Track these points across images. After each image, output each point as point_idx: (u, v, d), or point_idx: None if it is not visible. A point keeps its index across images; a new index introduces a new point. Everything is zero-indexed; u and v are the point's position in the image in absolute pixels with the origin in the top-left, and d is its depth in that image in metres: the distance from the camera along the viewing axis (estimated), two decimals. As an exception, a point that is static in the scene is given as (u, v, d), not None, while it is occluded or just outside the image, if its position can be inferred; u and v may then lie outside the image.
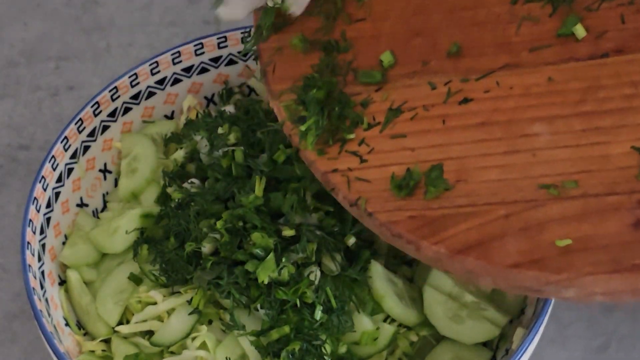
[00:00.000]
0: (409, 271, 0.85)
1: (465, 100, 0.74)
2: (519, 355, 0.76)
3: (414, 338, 0.81)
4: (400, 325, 0.81)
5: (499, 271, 0.67)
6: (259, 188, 0.81)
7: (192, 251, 0.81)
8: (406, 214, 0.70)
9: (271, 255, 0.78)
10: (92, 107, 0.90)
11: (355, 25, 0.80)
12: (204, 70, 0.94)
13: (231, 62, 0.94)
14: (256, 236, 0.78)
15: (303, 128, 0.75)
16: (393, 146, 0.73)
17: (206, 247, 0.81)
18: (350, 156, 0.74)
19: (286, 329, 0.78)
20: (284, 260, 0.78)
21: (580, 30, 0.74)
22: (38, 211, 0.86)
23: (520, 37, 0.75)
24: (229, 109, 0.90)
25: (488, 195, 0.70)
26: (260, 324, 0.79)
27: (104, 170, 0.93)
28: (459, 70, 0.75)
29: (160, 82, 0.93)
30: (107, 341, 0.84)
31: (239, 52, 0.94)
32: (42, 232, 0.86)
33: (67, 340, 0.83)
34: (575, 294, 0.66)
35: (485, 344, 0.82)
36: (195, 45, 0.93)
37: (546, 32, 0.75)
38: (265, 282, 0.78)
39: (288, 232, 0.79)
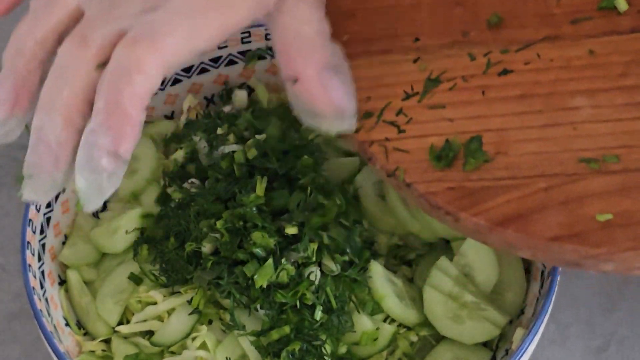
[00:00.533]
0: (409, 271, 0.85)
1: (505, 72, 0.73)
2: (519, 355, 0.76)
3: (414, 338, 0.81)
4: (400, 325, 0.81)
5: (539, 244, 0.67)
6: (260, 187, 0.81)
7: (192, 251, 0.81)
8: (445, 185, 0.70)
9: (270, 261, 0.78)
10: (92, 107, 0.90)
11: None
12: (204, 71, 0.94)
13: (231, 63, 0.94)
14: (257, 235, 0.78)
15: None
16: (432, 117, 0.72)
17: (206, 247, 0.81)
18: (388, 126, 0.73)
19: (286, 329, 0.78)
20: (283, 261, 0.78)
21: (622, 4, 0.73)
22: (38, 211, 0.86)
23: (561, 8, 0.74)
24: (229, 109, 0.90)
25: (528, 168, 0.69)
26: (261, 324, 0.79)
27: (104, 170, 0.93)
28: (499, 41, 0.75)
29: (160, 82, 0.93)
30: (107, 341, 0.84)
31: (238, 52, 0.94)
32: (42, 232, 0.86)
33: (67, 340, 0.83)
34: (615, 267, 0.66)
35: (485, 344, 0.82)
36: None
37: (587, 4, 0.74)
38: (264, 286, 0.78)
39: (291, 230, 0.79)
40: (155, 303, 0.83)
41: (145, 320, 0.83)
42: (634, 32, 0.73)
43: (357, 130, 0.73)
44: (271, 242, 0.78)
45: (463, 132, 0.71)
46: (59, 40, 0.72)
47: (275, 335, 0.78)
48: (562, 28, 0.74)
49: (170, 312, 0.82)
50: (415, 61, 0.75)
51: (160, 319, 0.83)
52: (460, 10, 0.77)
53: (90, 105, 0.69)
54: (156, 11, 0.69)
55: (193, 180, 0.86)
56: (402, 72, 0.75)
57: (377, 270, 0.81)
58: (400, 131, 0.72)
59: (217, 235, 0.80)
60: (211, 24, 0.69)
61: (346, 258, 0.80)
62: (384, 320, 0.81)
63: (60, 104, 0.69)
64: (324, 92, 0.71)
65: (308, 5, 0.72)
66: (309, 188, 0.81)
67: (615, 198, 0.67)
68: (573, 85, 0.72)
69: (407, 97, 0.74)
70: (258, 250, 0.79)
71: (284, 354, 0.78)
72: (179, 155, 0.89)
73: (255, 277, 0.77)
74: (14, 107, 0.71)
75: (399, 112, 0.73)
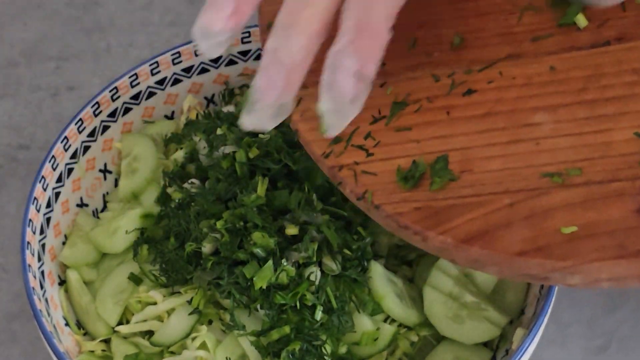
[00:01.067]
0: (409, 271, 0.85)
1: (469, 92, 0.74)
2: (519, 355, 0.76)
3: (414, 338, 0.81)
4: (400, 325, 0.81)
5: (505, 259, 0.67)
6: (261, 188, 0.81)
7: (192, 251, 0.81)
8: (412, 206, 0.70)
9: (269, 263, 0.78)
10: (92, 107, 0.90)
11: None
12: (204, 71, 0.94)
13: (231, 63, 0.94)
14: (257, 236, 0.78)
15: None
16: (398, 139, 0.73)
17: (206, 247, 0.81)
18: (357, 150, 0.73)
19: (286, 329, 0.78)
20: (283, 262, 0.78)
21: (581, 20, 0.74)
22: (38, 211, 0.86)
23: (522, 27, 0.75)
24: (229, 109, 0.90)
25: (492, 185, 0.70)
26: (261, 324, 0.79)
27: (104, 170, 0.93)
28: (462, 61, 0.75)
29: (161, 82, 0.93)
30: (107, 341, 0.84)
31: (239, 52, 0.94)
32: (42, 232, 0.86)
33: (67, 340, 0.83)
34: (581, 280, 0.67)
35: (485, 344, 0.82)
36: (195, 46, 0.93)
37: (547, 21, 0.75)
38: (264, 287, 0.78)
39: (291, 231, 0.79)
40: (155, 303, 0.83)
41: (145, 320, 0.83)
42: (594, 47, 0.73)
43: (326, 156, 0.74)
44: (271, 242, 0.78)
45: (429, 152, 0.72)
46: None
47: (275, 335, 0.78)
48: (523, 46, 0.75)
49: (170, 312, 0.82)
50: (382, 85, 0.76)
51: (160, 319, 0.83)
52: (422, 32, 0.77)
53: (329, 26, 0.68)
54: None
55: (193, 180, 0.86)
56: (370, 96, 0.74)
57: (377, 270, 0.81)
58: (369, 154, 0.73)
59: (217, 235, 0.80)
60: None
61: (350, 254, 0.80)
62: (385, 321, 0.81)
63: (301, 23, 0.67)
64: None
65: None
66: (306, 187, 0.81)
67: (579, 210, 0.68)
68: (535, 101, 0.72)
69: (375, 120, 0.74)
70: (258, 251, 0.78)
71: (284, 354, 0.78)
72: (179, 155, 0.89)
73: (255, 278, 0.77)
74: (230, 19, 0.69)
75: (367, 135, 0.74)
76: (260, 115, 0.69)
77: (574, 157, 0.70)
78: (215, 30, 0.68)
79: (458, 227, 0.69)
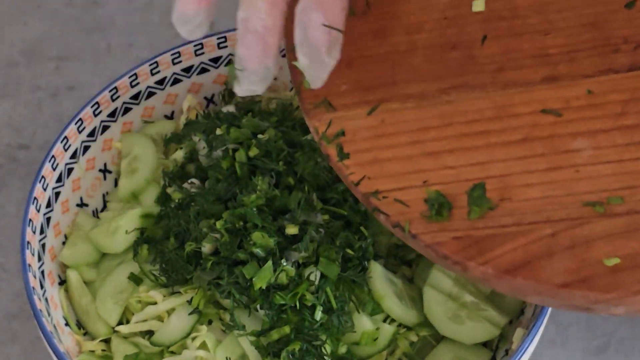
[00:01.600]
0: (409, 271, 0.85)
1: (505, 116, 0.72)
2: (519, 355, 0.76)
3: (414, 338, 0.81)
4: (400, 325, 0.81)
5: (548, 290, 0.66)
6: (262, 184, 0.81)
7: (192, 251, 0.81)
8: (451, 235, 0.69)
9: (269, 263, 0.78)
10: (92, 107, 0.90)
11: (388, 39, 0.78)
12: (204, 71, 0.94)
13: (231, 63, 0.94)
14: (257, 236, 0.78)
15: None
16: (433, 165, 0.72)
17: (206, 247, 0.81)
18: (391, 177, 0.72)
19: (286, 329, 0.78)
20: (283, 262, 0.78)
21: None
22: (38, 211, 0.86)
23: (557, 48, 0.74)
24: (230, 109, 0.90)
25: (533, 214, 0.68)
26: (261, 324, 0.79)
27: (104, 170, 0.93)
28: (498, 84, 0.74)
29: (160, 82, 0.93)
30: (107, 341, 0.84)
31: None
32: (42, 231, 0.86)
33: (67, 339, 0.83)
34: (625, 310, 0.66)
35: (485, 344, 0.82)
36: (195, 46, 0.93)
37: (583, 42, 0.74)
38: (263, 287, 0.78)
39: (291, 230, 0.79)
40: (155, 303, 0.83)
41: (145, 320, 0.83)
42: (632, 70, 0.72)
43: (358, 182, 0.72)
44: (271, 242, 0.78)
45: (465, 179, 0.71)
46: None
47: (275, 335, 0.78)
48: (559, 68, 0.73)
49: (170, 312, 0.82)
50: (414, 108, 0.74)
51: (160, 319, 0.83)
52: (456, 54, 0.76)
53: None
54: None
55: (193, 180, 0.86)
56: (402, 120, 0.74)
57: (377, 271, 0.81)
58: (403, 181, 0.72)
59: (217, 235, 0.80)
60: None
61: (352, 253, 0.80)
62: (384, 321, 0.81)
63: None
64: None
65: None
66: (306, 187, 0.81)
67: (621, 240, 0.66)
68: (573, 126, 0.71)
69: (409, 145, 0.73)
70: (258, 251, 0.79)
71: (284, 354, 0.78)
72: (179, 155, 0.89)
73: (254, 279, 0.77)
74: (202, 1, 0.72)
75: (402, 161, 0.72)
76: (249, 82, 0.73)
77: (615, 185, 0.68)
78: (190, 14, 0.72)
79: (499, 257, 0.67)
